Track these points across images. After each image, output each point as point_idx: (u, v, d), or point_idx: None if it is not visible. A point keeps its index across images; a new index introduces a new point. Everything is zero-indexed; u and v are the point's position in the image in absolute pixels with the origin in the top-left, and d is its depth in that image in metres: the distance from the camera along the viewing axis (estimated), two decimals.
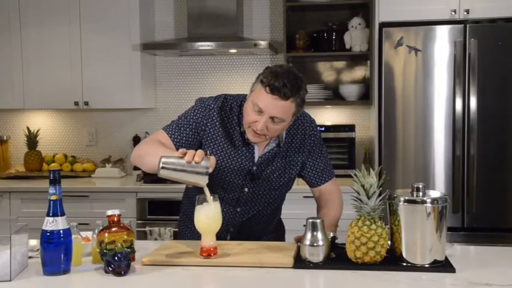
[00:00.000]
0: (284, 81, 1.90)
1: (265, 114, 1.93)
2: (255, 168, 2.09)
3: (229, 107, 2.10)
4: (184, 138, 2.05)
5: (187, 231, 2.24)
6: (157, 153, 1.83)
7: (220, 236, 1.97)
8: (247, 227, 2.16)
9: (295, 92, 1.93)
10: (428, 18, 3.38)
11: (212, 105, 2.09)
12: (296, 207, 2.98)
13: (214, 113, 2.08)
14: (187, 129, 2.06)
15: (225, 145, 2.07)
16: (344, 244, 1.80)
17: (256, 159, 2.09)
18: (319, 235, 1.75)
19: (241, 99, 2.11)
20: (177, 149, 2.01)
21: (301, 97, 1.96)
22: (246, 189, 2.10)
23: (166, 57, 4.28)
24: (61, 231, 1.69)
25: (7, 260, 1.65)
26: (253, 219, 2.16)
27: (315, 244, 1.75)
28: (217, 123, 2.07)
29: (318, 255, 1.74)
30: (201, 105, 2.10)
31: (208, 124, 2.07)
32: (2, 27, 4.03)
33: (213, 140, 2.07)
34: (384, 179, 1.77)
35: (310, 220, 1.77)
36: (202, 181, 1.77)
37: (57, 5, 3.98)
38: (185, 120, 2.08)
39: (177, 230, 3.59)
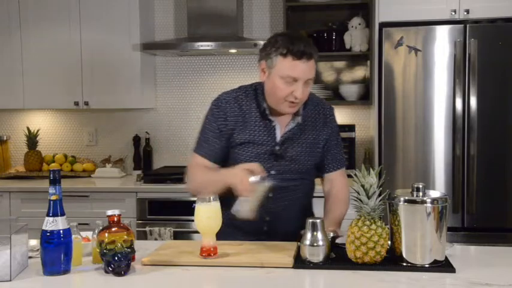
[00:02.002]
0: (303, 43, 1.99)
1: (301, 80, 1.98)
2: (277, 148, 2.09)
3: (244, 94, 2.14)
4: (217, 150, 2.12)
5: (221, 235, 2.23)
6: (214, 180, 2.00)
7: (257, 226, 2.02)
8: (283, 216, 2.13)
9: (314, 50, 2.01)
10: (428, 18, 3.38)
11: (226, 98, 2.14)
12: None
13: (228, 105, 2.12)
14: (215, 139, 2.12)
15: (248, 133, 2.09)
16: (344, 244, 1.80)
17: (278, 139, 2.10)
18: (319, 235, 1.75)
19: (255, 85, 2.16)
20: (217, 163, 2.11)
21: (317, 53, 2.03)
22: (272, 172, 2.08)
23: (166, 57, 4.28)
24: (61, 231, 1.69)
25: (7, 260, 1.65)
26: (287, 206, 2.13)
27: (315, 244, 1.75)
28: (235, 113, 2.11)
29: (318, 255, 1.74)
30: (215, 105, 2.15)
31: (228, 118, 2.11)
32: (2, 28, 4.03)
33: (237, 131, 2.10)
34: (383, 179, 1.77)
35: (310, 220, 1.77)
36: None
37: (57, 5, 3.97)
38: (208, 133, 2.13)
39: (177, 230, 3.63)
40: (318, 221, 1.77)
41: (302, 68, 1.98)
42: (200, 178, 2.11)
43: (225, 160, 2.14)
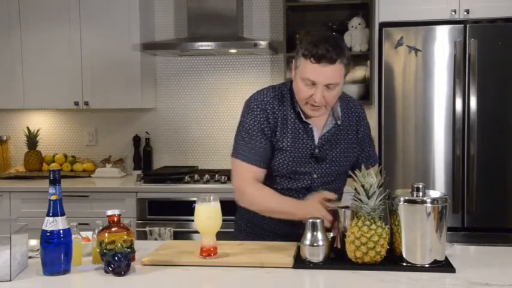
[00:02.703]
0: (326, 47, 1.90)
1: (319, 85, 1.94)
2: (317, 150, 2.07)
3: (280, 95, 2.09)
4: (263, 152, 2.04)
5: (240, 234, 2.22)
6: (286, 212, 1.98)
7: (294, 229, 1.97)
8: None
9: (340, 53, 1.93)
10: (428, 18, 3.38)
11: (266, 99, 2.07)
12: None
13: (269, 106, 2.05)
14: (259, 141, 2.05)
15: (289, 136, 2.05)
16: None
17: (316, 141, 2.07)
18: (319, 235, 1.75)
19: (289, 85, 2.11)
20: (264, 168, 2.04)
21: (346, 56, 1.96)
22: (315, 176, 2.07)
23: (166, 57, 4.28)
24: (61, 231, 1.69)
25: (7, 260, 1.65)
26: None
27: (315, 244, 1.74)
28: (276, 114, 2.05)
29: (318, 255, 1.74)
30: (256, 105, 2.07)
31: (270, 119, 2.05)
32: (2, 28, 4.03)
33: (279, 134, 2.05)
34: (383, 179, 1.77)
35: (310, 220, 1.77)
36: None
37: (57, 5, 3.97)
38: (251, 134, 2.05)
39: (177, 230, 3.63)
40: (318, 221, 1.76)
41: (321, 72, 1.92)
42: (267, 202, 2.02)
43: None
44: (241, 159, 2.06)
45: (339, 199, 2.16)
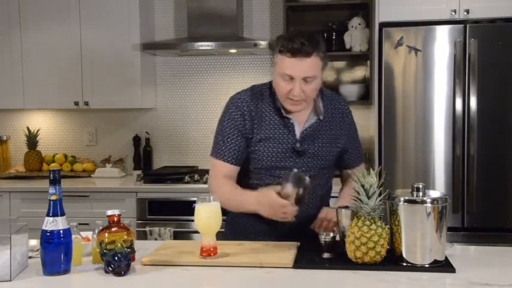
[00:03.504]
0: (301, 41, 1.95)
1: (297, 78, 1.97)
2: (298, 144, 2.09)
3: (260, 93, 2.13)
4: (237, 151, 2.09)
5: (231, 234, 2.23)
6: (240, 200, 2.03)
7: (280, 228, 2.02)
8: (304, 214, 2.08)
9: (315, 46, 1.98)
10: (428, 18, 3.38)
11: (242, 97, 2.12)
12: None
13: (245, 104, 2.10)
14: (234, 139, 2.10)
15: (266, 130, 2.09)
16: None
17: (298, 135, 2.09)
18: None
19: (269, 83, 2.15)
20: (237, 165, 2.10)
21: (322, 50, 2.01)
22: (295, 170, 2.07)
23: (166, 57, 4.28)
24: (61, 231, 1.69)
25: (7, 260, 1.65)
26: (310, 205, 2.11)
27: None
28: (253, 112, 2.09)
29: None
30: (231, 106, 2.12)
31: (246, 117, 2.09)
32: (2, 28, 4.03)
33: (255, 129, 2.09)
34: (383, 179, 1.77)
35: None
36: None
37: (57, 5, 3.97)
38: (227, 134, 2.10)
39: (177, 230, 3.63)
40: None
41: (298, 66, 1.97)
42: (227, 194, 2.07)
43: (245, 160, 2.13)
44: (215, 157, 2.13)
45: (325, 200, 2.20)
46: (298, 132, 2.10)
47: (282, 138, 2.09)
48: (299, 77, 1.98)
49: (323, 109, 2.14)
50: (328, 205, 2.23)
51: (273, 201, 1.92)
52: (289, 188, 1.90)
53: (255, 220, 2.10)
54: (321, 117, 2.12)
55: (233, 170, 2.11)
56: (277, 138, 2.08)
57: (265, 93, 2.12)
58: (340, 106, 2.20)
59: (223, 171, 2.11)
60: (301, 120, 2.11)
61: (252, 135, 2.09)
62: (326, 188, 2.22)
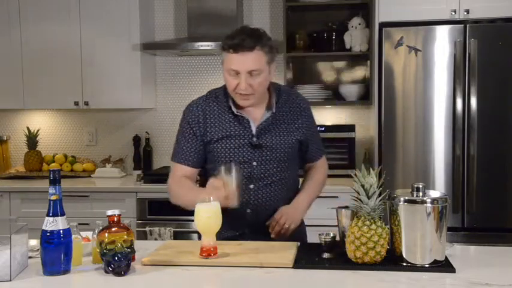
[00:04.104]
0: (241, 37, 2.03)
1: (242, 73, 2.04)
2: (255, 139, 2.14)
3: (215, 95, 2.21)
4: (193, 153, 2.18)
5: None
6: (189, 196, 2.05)
7: (239, 219, 2.09)
8: (264, 209, 2.16)
9: (257, 40, 2.04)
10: (428, 18, 3.38)
11: (197, 102, 2.22)
12: None
13: (199, 110, 2.19)
14: (190, 142, 2.18)
15: (222, 130, 2.15)
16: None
17: (254, 130, 2.15)
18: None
19: (223, 86, 2.21)
20: (195, 167, 2.19)
21: (266, 44, 2.06)
22: (254, 163, 2.14)
23: (166, 57, 4.28)
24: (61, 231, 1.69)
25: (7, 260, 1.65)
26: (269, 199, 2.17)
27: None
28: (207, 115, 2.17)
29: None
30: (187, 112, 2.23)
31: (201, 120, 2.18)
32: (2, 28, 4.03)
33: (211, 131, 2.16)
34: (383, 179, 1.77)
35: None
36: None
37: (57, 5, 3.97)
38: (183, 138, 2.20)
39: (177, 230, 3.63)
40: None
41: (241, 60, 2.03)
42: (177, 193, 2.18)
43: (204, 161, 2.21)
44: (173, 161, 2.23)
45: (289, 194, 2.21)
46: (254, 127, 2.15)
47: (238, 135, 2.14)
48: (244, 71, 2.03)
49: (281, 104, 2.20)
50: (290, 199, 2.23)
51: (210, 184, 1.97)
52: (223, 177, 1.97)
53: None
54: (274, 110, 2.17)
55: (190, 171, 2.19)
56: (234, 135, 2.14)
57: (220, 96, 2.20)
58: (297, 101, 2.25)
59: (181, 172, 2.19)
60: (257, 116, 2.17)
61: (207, 137, 2.16)
62: (290, 182, 2.24)
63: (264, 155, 2.15)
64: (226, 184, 1.95)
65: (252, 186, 2.15)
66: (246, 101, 2.11)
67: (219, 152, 2.15)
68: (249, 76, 2.04)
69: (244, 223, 2.17)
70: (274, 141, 2.16)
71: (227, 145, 2.14)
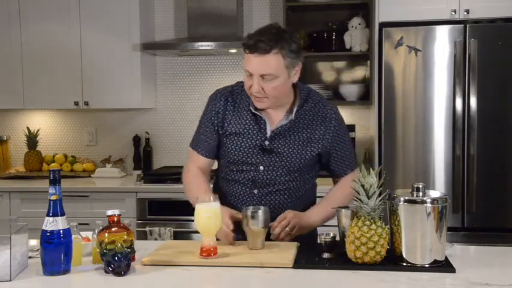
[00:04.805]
0: (258, 38, 1.96)
1: (255, 75, 1.98)
2: (267, 143, 2.08)
3: (241, 89, 2.14)
4: (210, 144, 2.16)
5: None
6: (194, 192, 2.07)
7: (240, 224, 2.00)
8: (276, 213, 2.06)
9: (275, 44, 1.95)
10: (428, 18, 3.38)
11: (221, 92, 2.17)
12: None
13: (222, 100, 2.14)
14: (208, 133, 2.16)
15: (238, 125, 2.10)
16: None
17: (268, 134, 2.09)
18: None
19: None
20: (209, 157, 2.18)
21: (285, 47, 1.97)
22: (261, 167, 2.08)
23: (166, 57, 4.28)
24: (61, 231, 1.69)
25: (7, 260, 1.65)
26: (273, 207, 2.07)
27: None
28: (228, 107, 2.12)
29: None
30: (210, 100, 2.18)
31: (220, 110, 2.13)
32: (2, 28, 4.03)
33: (228, 123, 2.12)
34: (383, 179, 1.77)
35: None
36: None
37: (57, 5, 3.97)
38: (202, 126, 2.18)
39: (177, 230, 3.63)
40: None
41: (254, 62, 1.97)
42: (186, 185, 2.20)
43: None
44: (190, 146, 2.22)
45: (298, 205, 2.12)
46: (269, 130, 2.09)
47: (251, 134, 2.09)
48: (256, 74, 1.98)
49: (304, 110, 2.11)
50: (302, 211, 2.13)
51: (222, 232, 1.93)
52: (256, 227, 1.91)
53: None
54: (293, 117, 2.09)
55: (204, 161, 2.18)
56: (247, 133, 2.10)
57: (244, 91, 2.12)
58: (323, 110, 2.13)
59: (196, 160, 2.19)
60: (276, 119, 2.11)
61: (223, 129, 2.12)
62: (300, 193, 2.15)
63: (272, 161, 2.08)
64: (249, 228, 1.91)
65: (256, 191, 2.10)
66: (260, 103, 2.05)
67: (229, 148, 2.11)
68: (261, 79, 1.98)
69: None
70: (287, 149, 2.08)
71: (238, 142, 2.10)
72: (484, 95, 3.30)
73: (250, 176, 2.10)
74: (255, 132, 2.09)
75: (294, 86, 2.14)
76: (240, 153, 2.10)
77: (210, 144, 2.16)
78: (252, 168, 2.09)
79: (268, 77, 1.97)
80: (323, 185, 2.40)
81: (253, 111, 2.10)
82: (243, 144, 2.09)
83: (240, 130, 2.10)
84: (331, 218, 2.12)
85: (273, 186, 2.10)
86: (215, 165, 2.28)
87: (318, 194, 2.29)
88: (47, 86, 4.03)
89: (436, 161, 3.36)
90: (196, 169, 2.19)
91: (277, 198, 2.11)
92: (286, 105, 2.11)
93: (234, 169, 2.12)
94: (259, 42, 1.94)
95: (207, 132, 2.15)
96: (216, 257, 1.81)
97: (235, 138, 2.10)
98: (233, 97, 2.14)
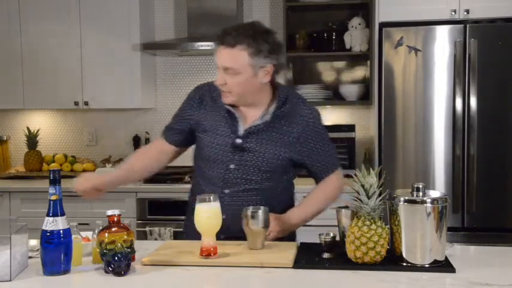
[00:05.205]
0: (229, 31, 1.98)
1: (219, 67, 2.00)
2: (239, 141, 2.07)
3: (215, 87, 2.12)
4: (176, 133, 2.23)
5: (192, 232, 2.20)
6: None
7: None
8: (240, 217, 1.97)
9: (241, 40, 1.95)
10: (428, 18, 3.38)
11: (201, 86, 2.20)
12: None
13: (200, 92, 2.17)
14: (177, 122, 2.23)
15: (212, 121, 2.11)
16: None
17: (241, 132, 2.08)
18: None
19: None
20: (173, 145, 2.26)
21: (253, 46, 1.96)
22: (231, 166, 2.07)
23: (166, 57, 4.28)
24: (61, 231, 1.69)
25: (7, 260, 1.65)
26: (245, 207, 1.97)
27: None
28: (205, 102, 2.14)
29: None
30: (191, 92, 2.22)
31: (195, 104, 2.16)
32: (2, 28, 4.03)
33: (203, 118, 2.14)
34: (383, 179, 1.77)
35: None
36: None
37: (57, 5, 3.98)
38: (175, 117, 2.25)
39: (177, 230, 3.62)
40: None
41: (220, 54, 1.99)
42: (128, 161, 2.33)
43: (188, 144, 2.25)
44: (161, 134, 2.30)
45: (274, 205, 2.07)
46: (242, 128, 2.08)
47: (223, 130, 2.09)
48: (220, 66, 2.00)
49: (281, 112, 2.07)
50: (278, 212, 2.10)
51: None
52: (256, 227, 1.91)
53: None
54: (268, 119, 2.06)
55: (167, 146, 2.25)
56: (219, 130, 2.09)
57: (218, 88, 2.11)
58: (302, 112, 2.09)
59: (156, 144, 2.32)
60: (250, 118, 2.08)
61: (197, 122, 2.14)
62: (275, 193, 2.12)
63: (244, 160, 2.06)
64: (249, 228, 1.89)
65: (227, 191, 2.07)
66: (224, 98, 2.06)
67: (201, 144, 2.13)
68: (225, 73, 1.99)
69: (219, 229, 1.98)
70: (259, 148, 2.05)
71: (209, 139, 2.09)
72: (484, 95, 3.30)
73: (220, 174, 2.08)
74: (226, 129, 2.09)
75: (274, 87, 2.12)
76: (212, 149, 2.09)
77: (177, 133, 2.22)
78: (223, 166, 2.08)
79: (231, 71, 1.99)
80: (305, 185, 2.36)
81: (225, 106, 2.09)
82: (214, 141, 2.09)
83: (213, 126, 2.11)
84: (313, 218, 2.14)
85: (244, 185, 2.07)
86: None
87: (302, 194, 2.25)
88: (47, 86, 4.03)
89: (436, 161, 3.36)
90: (149, 147, 2.37)
91: (249, 198, 2.07)
92: (261, 105, 2.09)
93: (206, 167, 2.12)
94: (227, 35, 1.97)
95: (177, 122, 2.22)
96: (216, 257, 1.81)
97: (208, 134, 2.11)
98: (211, 92, 2.14)
